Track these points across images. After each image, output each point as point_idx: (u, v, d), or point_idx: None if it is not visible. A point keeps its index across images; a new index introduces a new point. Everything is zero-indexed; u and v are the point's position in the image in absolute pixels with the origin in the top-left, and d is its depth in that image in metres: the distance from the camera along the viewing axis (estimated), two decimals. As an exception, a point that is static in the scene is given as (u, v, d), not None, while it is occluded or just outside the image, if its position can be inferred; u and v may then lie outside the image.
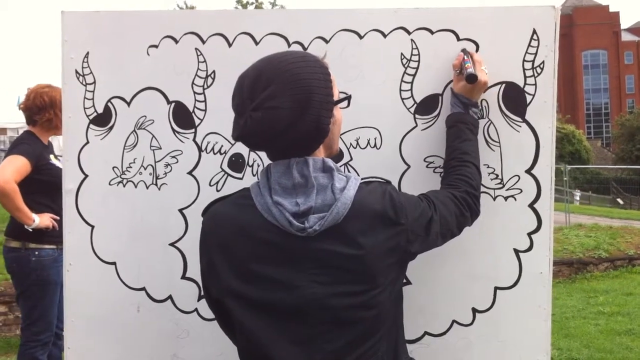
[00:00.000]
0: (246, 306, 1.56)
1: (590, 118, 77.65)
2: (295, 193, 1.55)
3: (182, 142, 2.31)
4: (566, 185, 18.01)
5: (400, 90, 2.22)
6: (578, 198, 21.46)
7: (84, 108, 2.34)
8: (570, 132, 44.09)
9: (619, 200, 30.94)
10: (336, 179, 1.57)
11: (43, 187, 3.91)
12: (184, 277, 2.31)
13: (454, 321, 2.23)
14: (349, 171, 2.21)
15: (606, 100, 77.25)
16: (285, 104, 1.49)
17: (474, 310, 2.22)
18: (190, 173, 2.31)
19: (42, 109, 4.04)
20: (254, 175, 2.27)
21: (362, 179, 1.65)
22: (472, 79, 2.03)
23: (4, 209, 3.98)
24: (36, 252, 3.93)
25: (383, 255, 1.58)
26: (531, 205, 2.19)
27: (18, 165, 3.85)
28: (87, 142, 2.35)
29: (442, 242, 1.81)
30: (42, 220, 3.87)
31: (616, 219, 16.93)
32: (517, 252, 2.20)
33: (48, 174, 3.94)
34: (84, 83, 2.33)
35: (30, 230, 3.86)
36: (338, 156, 2.23)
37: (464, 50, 2.14)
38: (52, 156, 4.07)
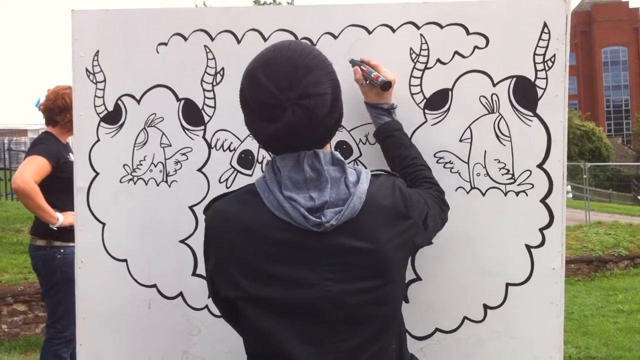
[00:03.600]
0: (257, 306, 1.52)
1: (610, 115, 76.73)
2: (307, 188, 1.51)
3: (191, 139, 2.31)
4: (586, 183, 17.88)
5: (410, 85, 2.20)
6: (570, 196, 21.06)
7: (95, 106, 2.35)
8: (590, 130, 43.65)
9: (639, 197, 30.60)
10: (348, 172, 1.55)
11: (66, 185, 3.93)
12: (194, 274, 2.32)
13: (465, 317, 2.21)
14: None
15: (626, 97, 76.26)
16: (328, 89, 1.49)
17: (485, 307, 2.20)
18: (200, 170, 2.31)
19: (63, 110, 4.07)
20: (263, 172, 2.26)
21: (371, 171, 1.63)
22: (387, 86, 2.04)
23: (27, 208, 4.02)
24: (61, 250, 3.97)
25: (396, 249, 1.57)
26: (543, 201, 2.16)
27: (37, 166, 3.89)
28: (98, 140, 2.36)
29: (433, 238, 1.81)
30: (66, 218, 3.90)
31: (637, 216, 16.78)
32: (528, 247, 2.18)
33: (70, 172, 3.96)
34: (94, 81, 2.35)
35: (55, 229, 3.89)
36: (347, 152, 2.23)
37: (352, 62, 2.14)
38: (71, 154, 4.10)
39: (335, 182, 1.53)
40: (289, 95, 1.45)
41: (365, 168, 1.73)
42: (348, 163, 2.18)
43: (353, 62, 2.14)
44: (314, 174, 1.52)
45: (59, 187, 3.90)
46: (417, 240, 1.66)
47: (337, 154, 1.57)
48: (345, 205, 1.50)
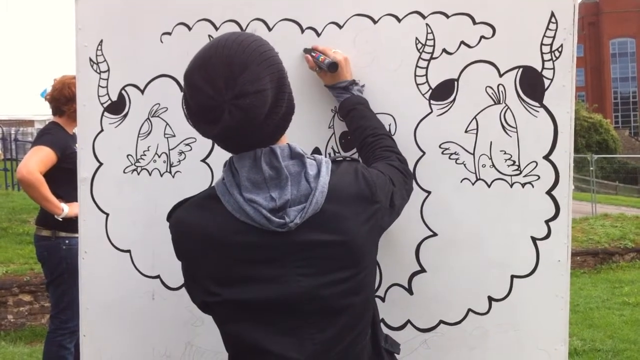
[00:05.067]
0: (232, 308, 1.51)
1: (618, 107, 76.36)
2: (267, 187, 1.48)
3: (195, 129, 2.30)
4: (592, 175, 17.83)
5: (415, 75, 2.18)
6: (573, 187, 21.12)
7: (98, 96, 2.35)
8: (597, 122, 43.42)
9: (647, 190, 30.48)
10: (307, 165, 1.51)
11: (72, 176, 3.92)
12: (198, 265, 2.31)
13: (469, 310, 2.19)
14: (353, 157, 2.18)
15: (634, 89, 75.86)
16: (268, 84, 1.42)
17: (490, 299, 2.18)
18: (204, 161, 2.30)
19: (69, 99, 4.04)
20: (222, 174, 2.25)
21: (331, 159, 1.60)
22: (333, 67, 2.06)
23: (32, 199, 4.02)
24: (67, 241, 3.96)
25: (366, 235, 1.55)
26: (549, 192, 2.14)
27: (42, 156, 3.87)
28: (102, 130, 2.36)
29: (400, 213, 1.79)
30: (71, 209, 3.87)
31: (643, 209, 16.70)
32: (534, 239, 2.16)
33: (76, 163, 3.96)
34: (98, 71, 2.34)
35: (60, 219, 3.89)
36: (352, 143, 2.21)
37: (305, 50, 2.18)
38: (77, 145, 4.10)
39: (296, 178, 1.49)
40: (225, 96, 1.39)
41: (353, 159, 1.70)
42: (352, 155, 2.19)
43: (305, 51, 2.17)
44: (273, 172, 1.48)
45: (64, 177, 3.88)
46: (384, 223, 1.65)
47: (296, 147, 1.53)
48: (308, 202, 1.47)
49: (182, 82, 2.25)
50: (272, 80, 1.44)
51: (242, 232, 1.47)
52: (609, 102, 74.27)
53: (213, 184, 2.22)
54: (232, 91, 1.39)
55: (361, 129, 2.05)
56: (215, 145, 2.27)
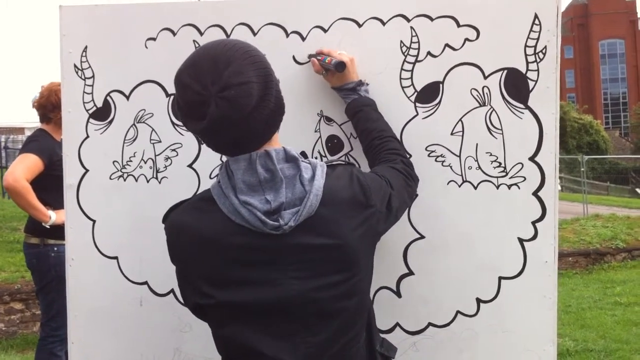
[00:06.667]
0: (226, 310, 1.53)
1: (608, 108, 76.85)
2: (262, 189, 1.49)
3: (181, 135, 2.29)
4: (583, 176, 17.90)
5: (401, 78, 2.19)
6: (559, 188, 21.25)
7: (84, 102, 2.34)
8: (587, 123, 43.69)
9: (638, 190, 30.60)
10: (302, 168, 1.53)
11: (59, 183, 3.91)
12: (186, 270, 2.30)
13: (458, 312, 2.20)
14: (349, 161, 2.19)
15: (624, 90, 76.39)
16: (253, 78, 1.45)
17: (479, 301, 2.19)
18: (190, 166, 2.30)
19: (56, 106, 4.00)
20: (217, 176, 2.25)
21: (326, 163, 1.62)
22: (341, 66, 2.05)
23: (19, 207, 3.99)
24: (55, 248, 3.93)
25: (359, 240, 1.56)
26: (535, 193, 2.15)
27: (29, 163, 3.85)
28: (87, 137, 2.34)
29: (400, 216, 1.81)
30: (59, 216, 3.84)
31: (635, 209, 16.81)
32: (521, 241, 2.16)
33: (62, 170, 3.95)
34: (82, 77, 2.33)
35: (48, 227, 3.87)
36: (338, 146, 2.21)
37: (310, 55, 2.18)
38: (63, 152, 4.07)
39: (290, 181, 1.51)
40: (211, 90, 1.43)
41: (357, 163, 1.71)
42: (340, 157, 2.19)
43: (310, 56, 2.18)
44: (268, 174, 1.50)
45: (52, 185, 3.85)
46: (379, 227, 1.66)
47: (291, 150, 1.55)
48: (302, 205, 1.49)
49: (167, 88, 2.28)
50: (257, 76, 1.47)
51: (237, 234, 1.49)
52: (599, 103, 74.70)
53: (199, 190, 2.25)
54: (218, 85, 1.43)
55: (367, 132, 2.06)
56: (202, 150, 2.27)
